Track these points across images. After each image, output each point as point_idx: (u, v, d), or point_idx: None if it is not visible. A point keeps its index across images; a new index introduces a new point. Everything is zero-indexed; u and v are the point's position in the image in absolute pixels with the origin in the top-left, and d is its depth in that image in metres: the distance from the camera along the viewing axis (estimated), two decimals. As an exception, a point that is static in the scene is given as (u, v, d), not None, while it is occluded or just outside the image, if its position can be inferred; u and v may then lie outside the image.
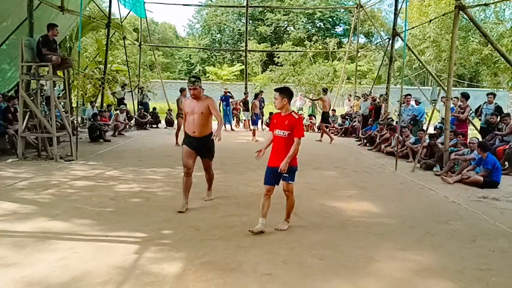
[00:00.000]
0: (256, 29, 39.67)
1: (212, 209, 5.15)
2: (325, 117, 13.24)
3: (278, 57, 29.89)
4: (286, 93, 4.22)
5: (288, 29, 41.17)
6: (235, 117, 17.21)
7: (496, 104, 10.06)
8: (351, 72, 26.81)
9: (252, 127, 13.58)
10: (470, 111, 10.27)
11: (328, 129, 13.49)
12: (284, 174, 4.16)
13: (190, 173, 5.15)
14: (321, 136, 13.10)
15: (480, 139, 9.03)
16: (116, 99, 16.81)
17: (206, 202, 5.50)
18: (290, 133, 4.12)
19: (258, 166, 8.30)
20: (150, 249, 3.77)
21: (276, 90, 4.27)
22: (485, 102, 10.13)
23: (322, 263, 3.56)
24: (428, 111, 12.56)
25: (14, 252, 3.61)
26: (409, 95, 11.79)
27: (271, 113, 16.28)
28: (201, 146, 5.13)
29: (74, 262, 3.43)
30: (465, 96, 9.97)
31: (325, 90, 13.74)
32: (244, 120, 16.45)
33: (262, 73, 32.79)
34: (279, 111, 4.29)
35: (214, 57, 41.81)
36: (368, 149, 11.44)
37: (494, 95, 10.24)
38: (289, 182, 4.23)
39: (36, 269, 3.27)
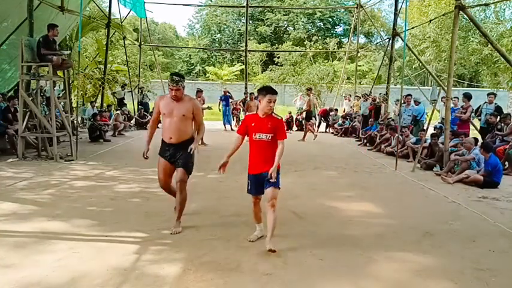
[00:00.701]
0: (256, 29, 39.67)
1: (212, 209, 5.16)
2: (309, 115, 13.51)
3: (278, 57, 29.89)
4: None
5: (288, 29, 41.17)
6: (235, 117, 17.22)
7: (496, 104, 10.06)
8: (351, 72, 26.80)
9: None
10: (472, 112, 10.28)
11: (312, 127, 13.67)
12: (271, 180, 3.73)
13: (171, 192, 4.56)
14: (314, 134, 13.14)
15: (480, 139, 9.05)
16: (116, 99, 16.83)
17: (206, 202, 5.48)
18: (273, 136, 3.79)
19: (258, 166, 8.31)
20: (150, 249, 3.77)
21: (272, 92, 3.79)
22: (485, 102, 10.13)
23: (322, 263, 3.56)
24: (428, 111, 12.56)
25: (14, 252, 3.61)
26: (410, 95, 11.79)
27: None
28: (178, 153, 4.31)
29: (73, 262, 3.43)
30: (467, 97, 9.99)
31: (310, 90, 14.03)
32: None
33: (262, 73, 32.80)
34: (252, 112, 4.02)
35: (214, 57, 41.82)
36: (368, 149, 11.44)
37: (495, 95, 10.24)
38: (278, 187, 3.82)
39: (36, 269, 3.27)
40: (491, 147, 7.36)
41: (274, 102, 3.79)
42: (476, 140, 8.07)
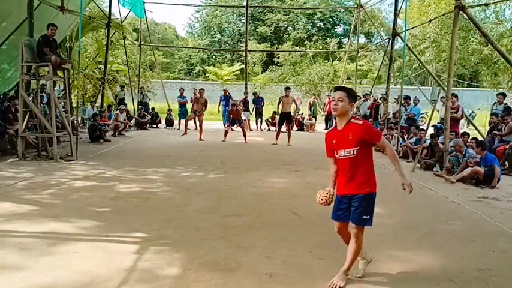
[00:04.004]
0: (256, 29, 39.68)
1: (212, 209, 5.15)
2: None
3: (278, 57, 29.89)
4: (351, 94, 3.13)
5: (288, 29, 41.17)
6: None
7: (505, 104, 10.03)
8: (351, 72, 26.81)
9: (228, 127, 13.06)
10: (472, 112, 10.28)
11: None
12: (365, 217, 3.08)
13: None
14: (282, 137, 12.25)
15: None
16: (117, 99, 16.92)
17: (206, 202, 5.47)
18: (360, 149, 3.04)
19: (258, 166, 8.32)
20: (150, 249, 3.76)
21: (336, 89, 3.18)
22: (495, 102, 10.12)
23: (322, 263, 3.56)
24: (428, 111, 12.56)
25: (13, 252, 3.61)
26: (408, 97, 11.79)
27: (274, 112, 16.23)
28: None
29: (73, 262, 3.42)
30: (454, 96, 10.03)
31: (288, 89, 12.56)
32: (244, 120, 16.46)
33: (262, 73, 32.79)
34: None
35: (214, 57, 41.84)
36: (375, 150, 11.36)
37: (504, 96, 10.20)
38: (363, 224, 3.11)
39: (35, 270, 3.27)
40: (486, 144, 7.40)
41: (340, 100, 3.04)
42: (468, 136, 8.12)
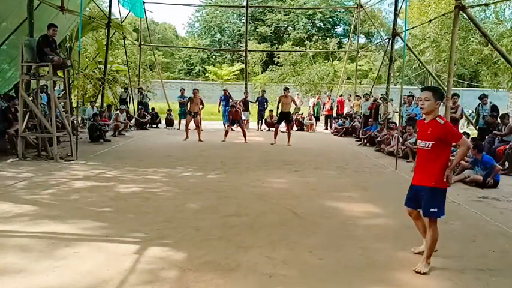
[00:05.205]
0: (256, 29, 39.68)
1: (212, 209, 5.15)
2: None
3: (278, 57, 29.89)
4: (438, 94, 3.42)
5: (288, 29, 41.18)
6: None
7: (491, 103, 10.17)
8: (351, 72, 26.81)
9: (227, 127, 13.13)
10: (472, 112, 10.34)
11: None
12: (432, 209, 3.39)
13: None
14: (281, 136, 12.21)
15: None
16: (119, 98, 16.98)
17: (206, 202, 5.48)
18: (435, 144, 3.34)
19: (258, 166, 8.32)
20: (150, 249, 3.76)
21: (423, 89, 3.51)
22: (480, 103, 10.25)
23: (322, 263, 3.56)
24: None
25: (13, 253, 3.61)
26: (412, 96, 11.79)
27: (272, 110, 16.27)
28: None
29: (73, 262, 3.42)
30: (456, 96, 10.08)
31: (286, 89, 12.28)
32: (244, 120, 16.47)
33: (262, 73, 32.80)
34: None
35: (214, 57, 41.84)
36: (375, 150, 11.30)
37: (486, 96, 10.37)
38: (435, 216, 3.43)
39: (35, 270, 3.26)
40: (483, 147, 7.38)
41: (426, 100, 3.38)
42: (468, 136, 8.12)
